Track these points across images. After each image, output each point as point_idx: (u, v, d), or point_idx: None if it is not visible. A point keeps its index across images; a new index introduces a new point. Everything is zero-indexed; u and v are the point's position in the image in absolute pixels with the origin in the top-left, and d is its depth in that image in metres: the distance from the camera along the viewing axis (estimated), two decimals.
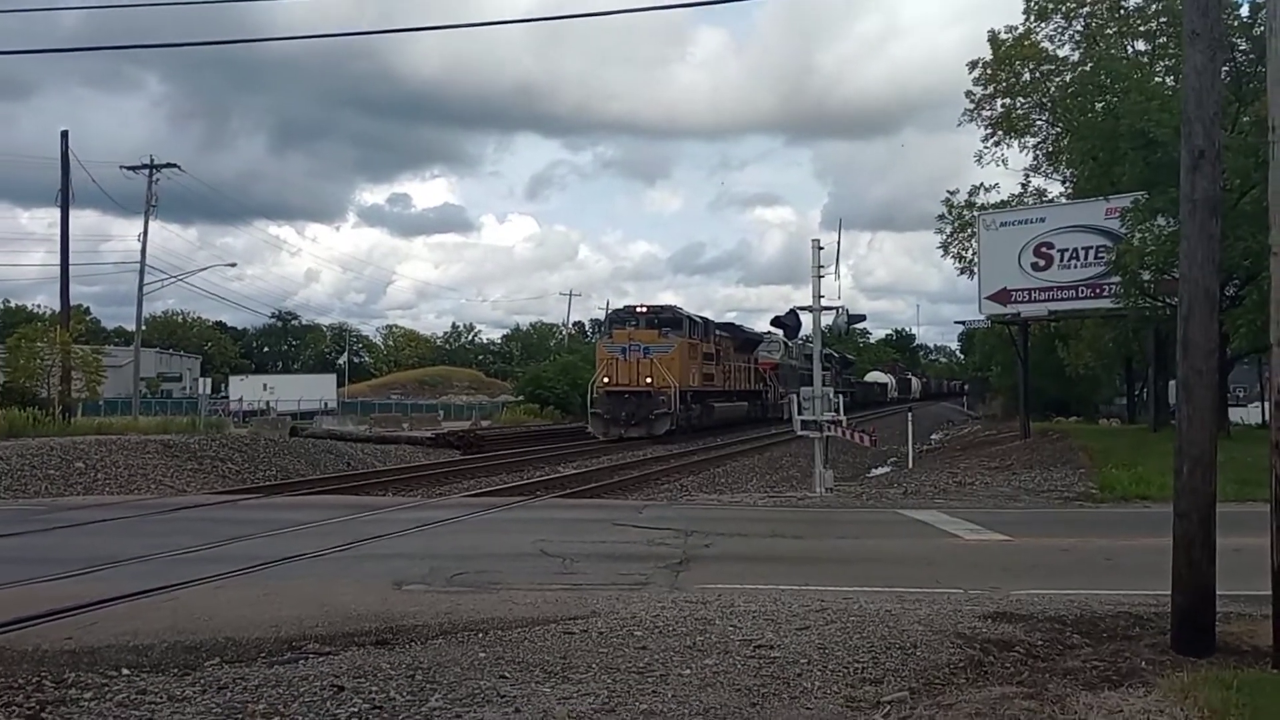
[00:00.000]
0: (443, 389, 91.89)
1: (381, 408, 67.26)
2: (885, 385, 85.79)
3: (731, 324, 45.49)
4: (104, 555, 9.63)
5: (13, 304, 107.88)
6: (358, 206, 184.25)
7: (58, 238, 31.85)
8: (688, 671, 5.66)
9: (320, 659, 6.09)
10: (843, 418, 18.44)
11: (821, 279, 17.91)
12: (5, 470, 17.93)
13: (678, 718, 4.93)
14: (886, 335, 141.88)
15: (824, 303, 18.11)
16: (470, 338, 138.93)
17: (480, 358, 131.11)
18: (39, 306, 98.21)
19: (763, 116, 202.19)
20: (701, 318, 38.72)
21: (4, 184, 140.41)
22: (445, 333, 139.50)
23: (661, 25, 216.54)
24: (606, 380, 33.93)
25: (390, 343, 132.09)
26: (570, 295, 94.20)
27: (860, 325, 65.61)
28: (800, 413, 18.08)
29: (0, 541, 10.99)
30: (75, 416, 29.42)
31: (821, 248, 18.04)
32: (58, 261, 32.12)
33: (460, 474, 22.80)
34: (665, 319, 35.31)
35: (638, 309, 36.25)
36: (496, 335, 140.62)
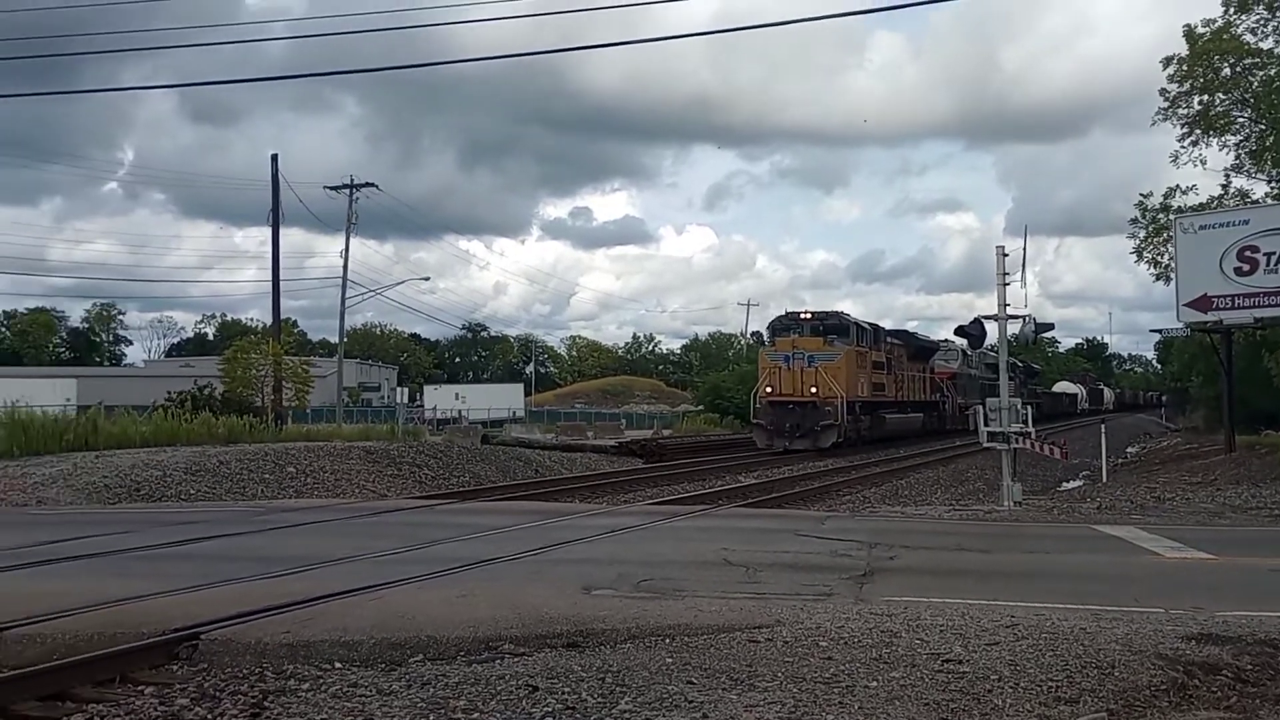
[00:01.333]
0: (624, 398, 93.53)
1: (566, 416, 69.01)
2: (1075, 396, 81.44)
3: (904, 331, 43.91)
4: (315, 555, 10.29)
5: (229, 318, 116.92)
6: (541, 220, 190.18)
7: (269, 255, 34.26)
8: (874, 684, 5.62)
9: (515, 659, 6.36)
10: (1031, 429, 17.73)
11: (1007, 286, 17.32)
12: (226, 474, 19.41)
13: None
14: (1076, 344, 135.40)
15: (1010, 311, 17.49)
16: (650, 348, 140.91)
17: (660, 367, 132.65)
18: (252, 320, 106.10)
19: (942, 120, 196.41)
20: (870, 324, 37.11)
21: (221, 206, 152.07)
22: (626, 343, 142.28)
23: (837, 32, 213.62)
24: (769, 390, 32.95)
25: (574, 353, 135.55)
26: (748, 305, 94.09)
27: (1048, 334, 62.73)
28: (986, 424, 17.50)
29: (224, 541, 11.90)
30: (286, 424, 31.53)
31: (1006, 254, 17.45)
32: (269, 278, 34.56)
33: (643, 482, 23.18)
34: (831, 325, 33.96)
35: (802, 315, 34.76)
36: (676, 345, 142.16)
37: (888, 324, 43.93)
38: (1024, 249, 18.10)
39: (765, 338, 36.34)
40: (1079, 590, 8.55)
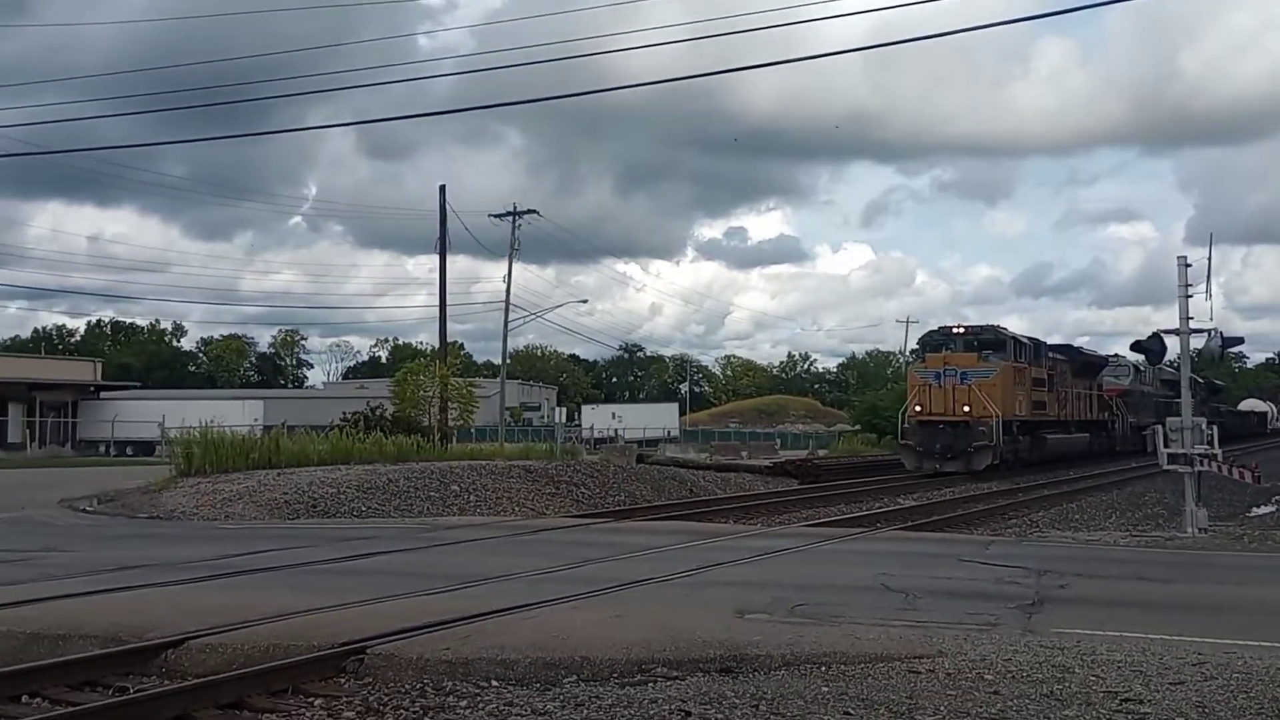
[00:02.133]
0: (779, 418, 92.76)
1: (720, 436, 68.97)
2: (1264, 415, 75.38)
3: (1069, 345, 40.37)
4: (475, 572, 10.54)
5: (401, 342, 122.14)
6: (696, 241, 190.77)
7: (436, 281, 35.50)
8: None
9: (668, 683, 6.31)
10: (1217, 450, 16.56)
11: (1190, 298, 16.26)
12: (395, 492, 20.14)
13: None
14: (1267, 359, 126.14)
15: (1193, 324, 16.42)
16: (805, 367, 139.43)
17: (815, 386, 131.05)
18: (421, 343, 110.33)
19: (1114, 127, 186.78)
20: (1030, 339, 34.81)
21: (394, 236, 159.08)
22: (781, 362, 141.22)
23: (1000, 41, 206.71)
24: (919, 409, 30.99)
25: (728, 372, 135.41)
26: (907, 322, 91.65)
27: (1236, 349, 58.67)
28: (1167, 445, 16.44)
29: (390, 557, 12.33)
30: (451, 443, 32.54)
31: (1189, 264, 16.38)
32: (436, 303, 35.81)
33: (798, 503, 22.80)
34: (986, 340, 31.70)
35: (954, 329, 32.55)
36: (832, 364, 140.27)
37: (1055, 340, 41.75)
38: (1208, 258, 16.94)
39: (916, 354, 34.69)
40: (1274, 626, 7.92)
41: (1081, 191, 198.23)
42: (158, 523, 17.51)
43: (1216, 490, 23.37)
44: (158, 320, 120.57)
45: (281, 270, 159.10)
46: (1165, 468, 17.24)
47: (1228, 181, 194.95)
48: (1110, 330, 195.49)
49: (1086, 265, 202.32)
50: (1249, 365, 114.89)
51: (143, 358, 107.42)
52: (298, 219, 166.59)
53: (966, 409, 29.82)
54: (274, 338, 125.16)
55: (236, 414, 45.20)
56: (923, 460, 30.23)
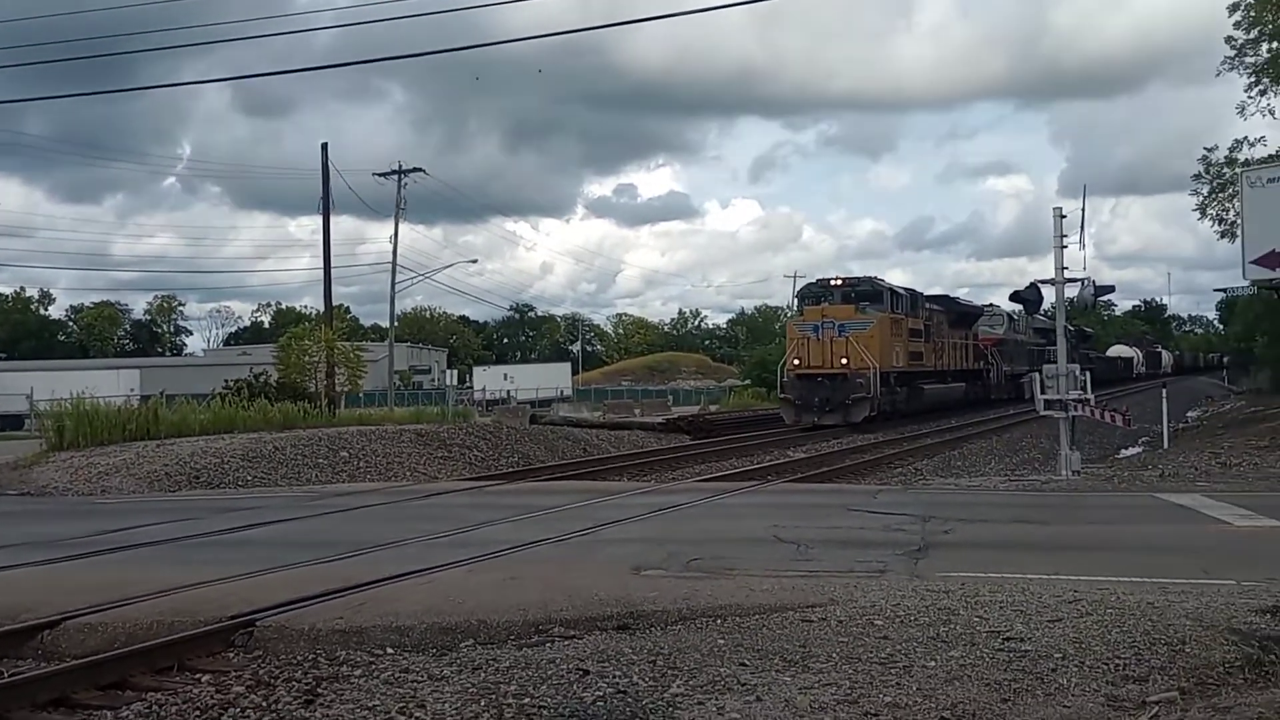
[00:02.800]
0: (671, 375, 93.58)
1: (613, 394, 69.18)
2: (1130, 360, 78.75)
3: (945, 296, 40.67)
4: (367, 539, 10.36)
5: (284, 306, 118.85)
6: (586, 199, 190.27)
7: (320, 243, 34.45)
8: (932, 664, 5.48)
9: (565, 643, 6.31)
10: (1090, 396, 17.33)
11: (1064, 249, 16.89)
12: (282, 460, 19.64)
13: (924, 712, 4.77)
14: (1134, 307, 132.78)
15: (1067, 274, 17.07)
16: (696, 323, 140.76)
17: (706, 343, 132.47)
18: (306, 307, 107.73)
19: (993, 82, 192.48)
20: (907, 290, 34.80)
21: (275, 196, 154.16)
22: (672, 319, 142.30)
23: None
24: (797, 362, 30.91)
25: (620, 330, 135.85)
26: (794, 277, 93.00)
27: (1106, 297, 61.22)
28: (1043, 392, 17.13)
29: (278, 527, 12.04)
30: (339, 408, 31.87)
31: (1064, 216, 17.00)
32: (321, 265, 34.80)
33: (691, 459, 23.08)
34: (863, 292, 31.64)
35: (832, 282, 32.53)
36: (722, 320, 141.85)
37: (937, 291, 42.28)
38: (1082, 209, 17.57)
39: (795, 307, 34.41)
40: (1144, 563, 8.31)
41: (962, 145, 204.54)
42: (29, 500, 16.73)
43: (1089, 434, 24.57)
44: (23, 288, 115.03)
45: (156, 233, 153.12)
46: (1042, 413, 17.98)
47: (1098, 135, 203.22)
48: (989, 281, 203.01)
49: (966, 218, 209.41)
50: (1118, 313, 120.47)
51: (7, 328, 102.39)
52: (172, 180, 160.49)
53: (844, 361, 29.87)
54: (149, 304, 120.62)
55: (111, 384, 43.42)
56: (801, 414, 30.21)
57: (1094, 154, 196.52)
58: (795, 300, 34.61)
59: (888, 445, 25.22)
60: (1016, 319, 45.70)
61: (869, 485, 16.85)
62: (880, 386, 30.03)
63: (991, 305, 46.25)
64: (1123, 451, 24.83)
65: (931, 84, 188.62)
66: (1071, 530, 10.62)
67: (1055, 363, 17.36)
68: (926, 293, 37.57)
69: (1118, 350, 79.85)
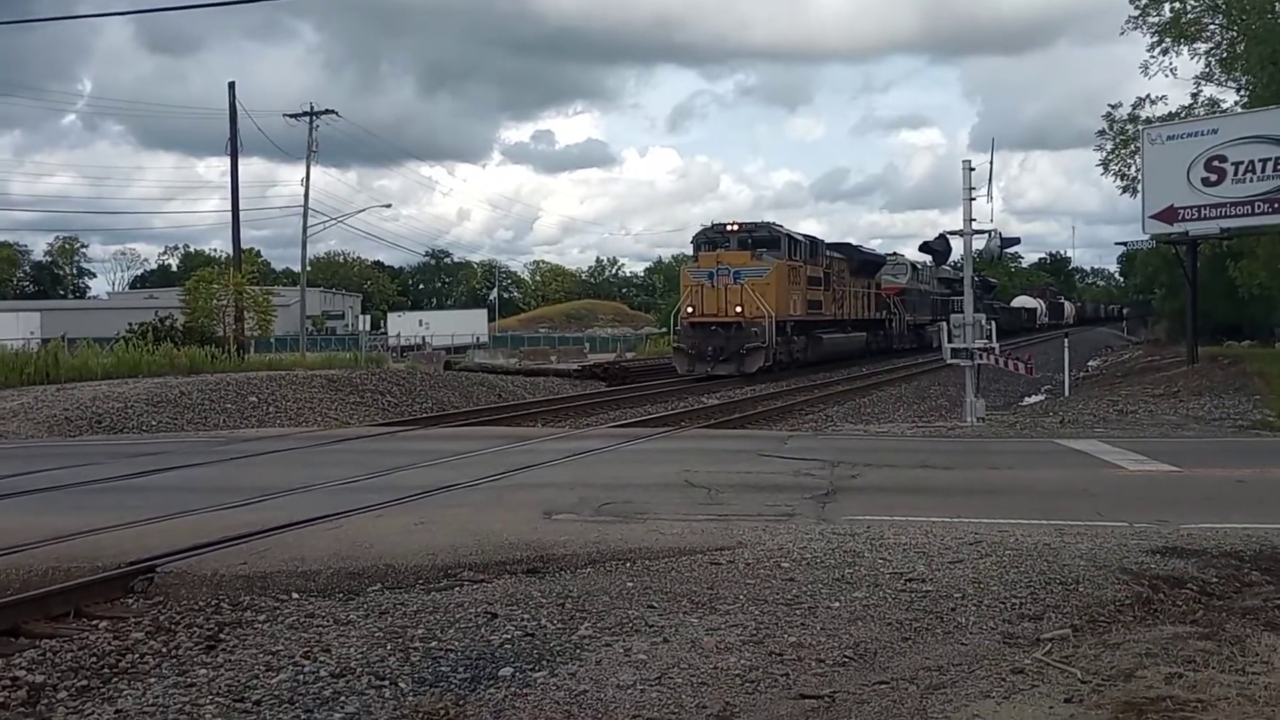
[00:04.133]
0: (588, 322, 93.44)
1: (530, 341, 68.92)
2: (1034, 311, 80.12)
3: (847, 244, 39.39)
4: (274, 485, 10.14)
5: (192, 249, 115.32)
6: (503, 145, 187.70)
7: (229, 185, 33.47)
8: (837, 604, 5.59)
9: (474, 586, 6.28)
10: (995, 345, 17.79)
11: (973, 202, 17.21)
12: (188, 405, 19.15)
13: (827, 651, 4.87)
14: (1040, 259, 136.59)
15: (975, 226, 17.42)
16: (614, 271, 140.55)
17: (624, 291, 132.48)
18: (215, 250, 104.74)
19: (906, 35, 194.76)
20: (808, 236, 33.49)
21: (181, 136, 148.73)
22: (590, 267, 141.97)
23: None
24: (690, 310, 29.61)
25: (537, 278, 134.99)
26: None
27: (1012, 249, 62.47)
28: (950, 340, 17.53)
29: (182, 472, 11.72)
30: (249, 353, 31.20)
31: (973, 169, 17.31)
32: (229, 208, 33.83)
33: (606, 405, 23.13)
34: (760, 238, 30.33)
35: (728, 227, 31.07)
36: (640, 268, 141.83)
37: (851, 242, 42.26)
38: (990, 163, 18.01)
39: (691, 254, 32.11)
40: (1043, 506, 8.56)
41: (876, 98, 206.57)
42: None
43: (994, 382, 25.29)
44: None
45: (56, 173, 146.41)
46: (949, 362, 18.43)
47: (1008, 90, 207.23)
48: (901, 233, 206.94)
49: (880, 170, 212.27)
50: (1024, 265, 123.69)
51: None
52: (72, 117, 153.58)
53: (739, 309, 28.67)
54: (50, 245, 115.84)
55: (10, 327, 41.91)
56: (694, 363, 29.11)
57: (1004, 109, 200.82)
58: (691, 245, 32.29)
59: (800, 392, 25.59)
60: (920, 269, 45.58)
61: (780, 431, 17.09)
62: (776, 336, 28.99)
63: (895, 254, 46.07)
64: (1026, 399, 25.64)
65: (846, 36, 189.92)
66: (974, 475, 10.88)
67: (961, 313, 17.77)
68: (830, 241, 36.62)
69: (1022, 301, 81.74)
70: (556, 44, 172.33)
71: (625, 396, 24.78)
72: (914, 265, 44.91)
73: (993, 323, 18.18)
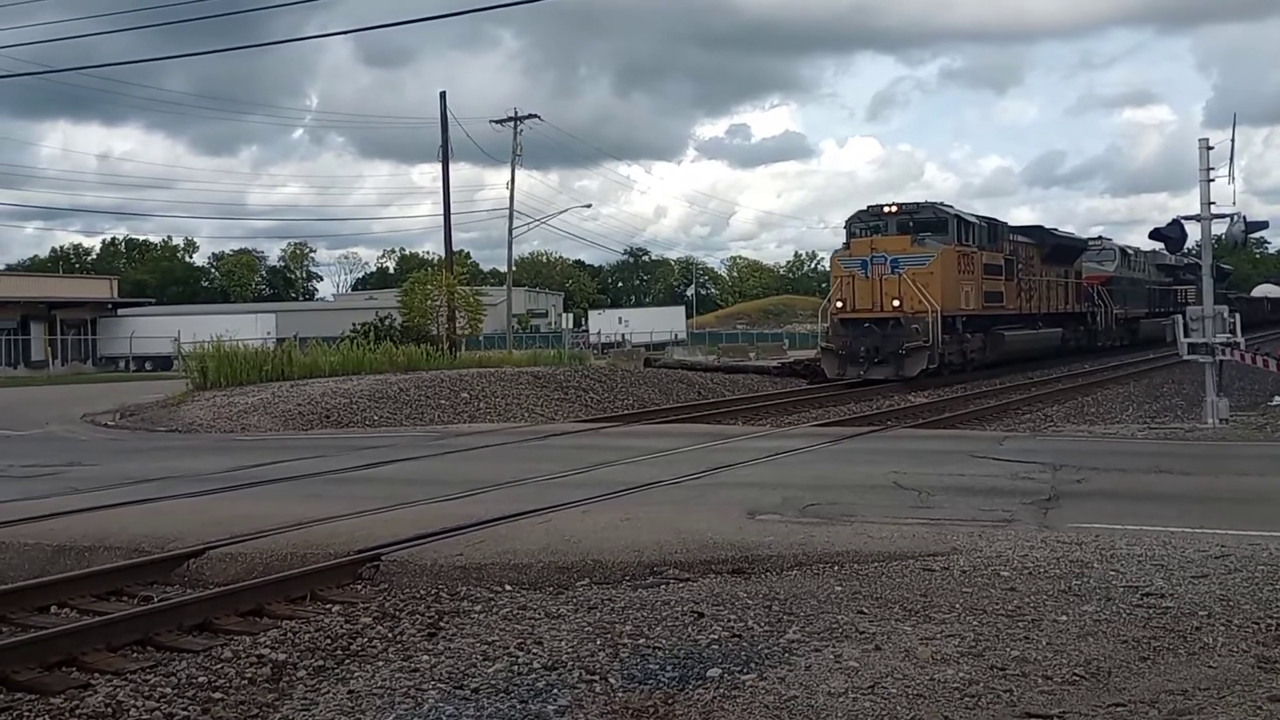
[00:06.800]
0: (786, 318, 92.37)
1: (728, 338, 68.96)
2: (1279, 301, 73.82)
3: (1038, 227, 34.34)
4: (486, 479, 10.53)
5: (408, 252, 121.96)
6: (698, 141, 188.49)
7: (440, 190, 35.05)
8: (1064, 618, 5.24)
9: (680, 584, 6.29)
10: (1240, 339, 16.33)
11: (1211, 183, 15.86)
12: (406, 400, 20.18)
13: (1054, 667, 4.56)
14: None
15: (1214, 210, 16.04)
16: (813, 266, 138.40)
17: (823, 285, 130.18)
18: (428, 252, 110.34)
19: (1129, 6, 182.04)
20: (986, 219, 29.13)
21: (396, 145, 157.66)
22: (788, 261, 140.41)
23: None
24: (840, 304, 26.27)
25: (734, 274, 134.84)
26: None
27: (1258, 234, 56.98)
28: (1187, 335, 16.23)
29: (403, 465, 12.35)
30: (460, 351, 32.60)
31: (1210, 148, 15.92)
32: (441, 212, 35.43)
33: (807, 403, 22.76)
34: (923, 221, 26.48)
35: (885, 209, 27.20)
36: None
37: (1073, 230, 38.45)
38: (1232, 140, 16.34)
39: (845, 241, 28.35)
40: None
41: (1095, 75, 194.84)
42: (176, 436, 17.62)
43: (1236, 380, 23.24)
44: (170, 237, 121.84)
45: (287, 183, 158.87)
46: (1186, 357, 17.03)
47: (1248, 60, 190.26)
48: (1126, 218, 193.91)
49: (1101, 152, 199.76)
50: (1271, 251, 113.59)
51: (157, 274, 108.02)
52: (300, 131, 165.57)
53: (897, 303, 25.24)
54: (283, 251, 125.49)
55: (249, 328, 45.46)
56: (845, 365, 25.89)
57: (1244, 80, 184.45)
58: (845, 230, 28.43)
59: (1015, 391, 24.39)
60: (1132, 255, 40.74)
61: (995, 432, 16.33)
62: (943, 334, 25.27)
63: (1100, 238, 41.04)
64: (1276, 399, 23.43)
65: (1060, 10, 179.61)
66: (1218, 481, 10.00)
67: (1194, 303, 16.40)
68: (1007, 222, 31.52)
69: (1265, 290, 73.88)
70: (751, 37, 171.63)
71: (827, 394, 24.28)
72: (1124, 251, 40.22)
73: (1236, 315, 16.68)
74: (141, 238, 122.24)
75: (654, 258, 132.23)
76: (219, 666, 5.20)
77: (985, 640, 4.94)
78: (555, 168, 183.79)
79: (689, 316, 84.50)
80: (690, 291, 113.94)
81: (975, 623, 5.22)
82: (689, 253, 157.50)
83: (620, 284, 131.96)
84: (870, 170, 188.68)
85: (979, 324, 27.67)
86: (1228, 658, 4.63)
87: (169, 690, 4.85)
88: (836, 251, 28.76)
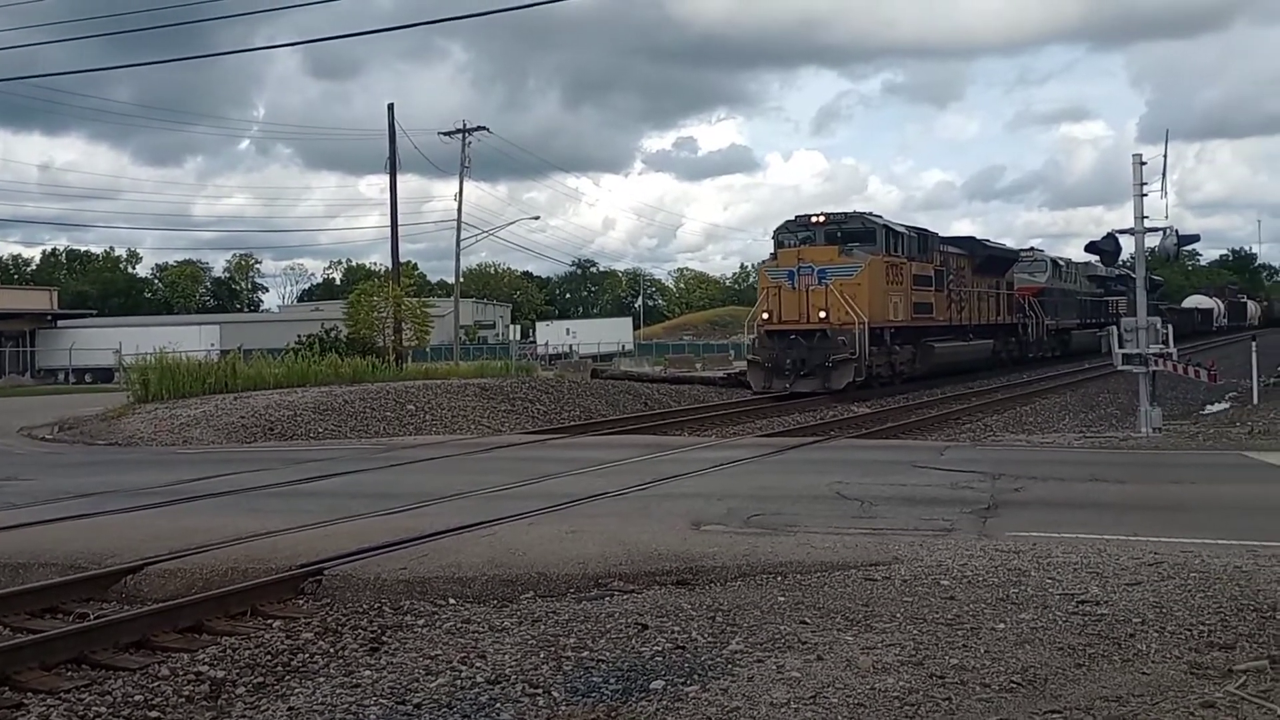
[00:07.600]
0: (733, 329, 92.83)
1: (675, 349, 69.17)
2: (1210, 312, 72.36)
3: (969, 238, 34.47)
4: (432, 491, 10.45)
5: (354, 263, 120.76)
6: (645, 153, 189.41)
7: (388, 201, 34.74)
8: (1002, 626, 5.33)
9: (624, 596, 6.29)
10: (1173, 349, 16.74)
11: (1144, 197, 16.26)
12: (351, 413, 19.95)
13: (993, 675, 4.63)
14: (1221, 256, 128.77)
15: (1148, 223, 16.45)
16: (758, 277, 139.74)
17: None
18: (375, 264, 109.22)
19: (1065, 23, 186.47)
20: (916, 229, 28.74)
21: (343, 156, 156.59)
22: (734, 273, 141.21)
23: None
24: (766, 316, 25.83)
25: (681, 285, 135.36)
26: None
27: (1190, 247, 58.30)
28: (1121, 345, 16.60)
29: (347, 478, 12.20)
30: (406, 363, 32.34)
31: (1144, 163, 16.35)
32: (388, 223, 35.12)
33: (753, 413, 22.90)
34: (850, 231, 26.06)
35: (813, 218, 26.67)
36: None
37: (1009, 243, 38.69)
38: (1164, 155, 16.76)
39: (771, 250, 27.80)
40: (1232, 524, 7.91)
41: (1033, 91, 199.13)
42: (116, 449, 17.26)
43: (1170, 389, 23.82)
44: (112, 248, 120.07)
45: (233, 194, 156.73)
46: (1120, 367, 17.41)
47: (1180, 76, 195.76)
48: (1063, 232, 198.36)
49: (1039, 166, 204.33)
50: (1203, 263, 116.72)
51: (98, 285, 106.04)
52: (246, 142, 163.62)
53: (823, 314, 24.89)
54: (228, 262, 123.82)
55: (193, 339, 44.75)
56: (771, 378, 25.35)
57: (1177, 97, 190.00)
58: (773, 240, 27.79)
59: (955, 401, 24.77)
60: (1064, 266, 41.11)
61: (936, 442, 16.55)
62: (871, 345, 24.99)
63: (1032, 249, 41.32)
64: (1207, 408, 24.04)
65: (999, 28, 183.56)
66: (1152, 489, 10.22)
67: (1127, 314, 16.81)
68: (935, 232, 31.15)
69: (1195, 301, 74.31)
70: (698, 51, 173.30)
71: (772, 405, 24.42)
72: (1055, 262, 40.59)
73: (1169, 326, 17.10)
74: (83, 248, 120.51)
75: (602, 269, 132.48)
76: (156, 685, 5.09)
77: (925, 649, 5.00)
78: (504, 180, 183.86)
79: (636, 328, 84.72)
80: (638, 303, 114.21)
81: (916, 631, 5.28)
82: (637, 264, 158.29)
83: (568, 295, 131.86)
84: (815, 183, 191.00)
85: (908, 335, 27.52)
86: (1161, 664, 4.73)
87: (104, 710, 4.75)
88: (764, 262, 28.37)
